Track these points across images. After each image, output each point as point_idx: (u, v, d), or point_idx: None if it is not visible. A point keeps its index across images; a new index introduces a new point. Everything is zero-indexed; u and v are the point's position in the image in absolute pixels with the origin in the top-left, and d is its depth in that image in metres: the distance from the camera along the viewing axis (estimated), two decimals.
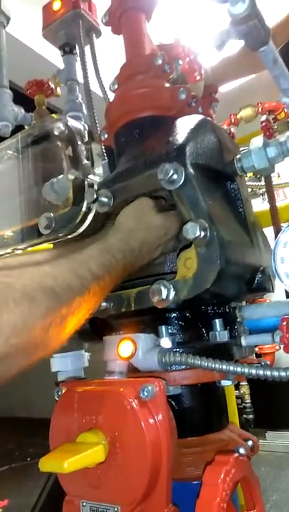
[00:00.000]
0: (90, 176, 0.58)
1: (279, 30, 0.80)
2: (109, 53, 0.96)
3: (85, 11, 0.78)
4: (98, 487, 0.47)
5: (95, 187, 0.57)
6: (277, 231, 0.95)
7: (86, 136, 0.62)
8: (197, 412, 0.58)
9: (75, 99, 0.81)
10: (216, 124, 0.61)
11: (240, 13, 0.34)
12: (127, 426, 0.46)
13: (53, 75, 0.93)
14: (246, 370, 0.46)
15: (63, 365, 0.77)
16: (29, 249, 0.63)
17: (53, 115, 0.60)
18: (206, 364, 0.47)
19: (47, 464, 0.42)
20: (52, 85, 0.92)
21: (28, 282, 0.36)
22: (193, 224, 0.46)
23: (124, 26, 0.68)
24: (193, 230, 0.46)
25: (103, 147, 0.68)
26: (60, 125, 0.58)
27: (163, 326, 0.55)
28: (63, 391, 0.53)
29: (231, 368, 0.46)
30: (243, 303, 0.65)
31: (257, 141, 0.54)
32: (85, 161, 0.59)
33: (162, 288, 0.49)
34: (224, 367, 0.46)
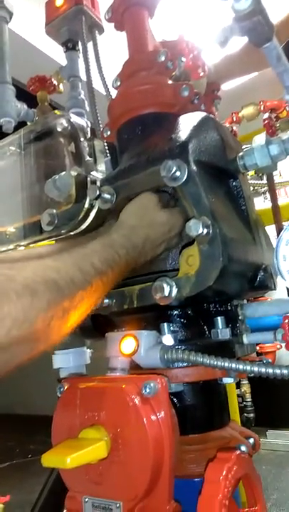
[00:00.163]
0: (92, 173, 0.58)
1: (282, 26, 0.79)
2: (111, 50, 0.95)
3: (88, 7, 0.77)
4: (100, 483, 0.47)
5: (98, 184, 0.57)
6: (279, 229, 0.95)
7: (89, 132, 0.61)
8: (199, 409, 0.58)
9: (78, 96, 0.81)
10: (219, 122, 0.61)
11: (244, 9, 0.33)
12: (129, 422, 0.46)
13: (56, 71, 0.92)
14: (248, 368, 0.46)
15: (65, 361, 0.77)
16: (31, 245, 0.63)
17: (56, 111, 0.60)
18: (208, 361, 0.47)
19: (49, 459, 0.42)
20: (54, 82, 0.92)
21: (30, 275, 0.36)
22: (196, 221, 0.46)
23: (127, 23, 0.68)
24: (196, 227, 0.46)
25: (105, 144, 0.68)
26: (63, 121, 0.57)
27: (165, 323, 0.55)
28: (65, 387, 0.53)
29: (233, 365, 0.46)
30: (245, 301, 0.65)
31: (259, 139, 0.54)
32: (88, 158, 0.59)
33: (165, 285, 0.49)
34: (226, 364, 0.46)
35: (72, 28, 0.80)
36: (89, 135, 0.61)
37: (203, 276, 0.48)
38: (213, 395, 0.60)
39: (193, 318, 0.57)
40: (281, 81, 0.42)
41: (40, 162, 0.63)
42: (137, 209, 0.52)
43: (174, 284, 0.49)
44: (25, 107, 0.80)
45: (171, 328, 0.55)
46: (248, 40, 0.37)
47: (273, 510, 1.84)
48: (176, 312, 0.57)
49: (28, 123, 0.82)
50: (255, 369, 0.45)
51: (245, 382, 2.67)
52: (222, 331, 0.56)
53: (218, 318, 0.56)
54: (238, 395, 2.56)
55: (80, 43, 0.83)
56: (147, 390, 0.46)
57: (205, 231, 0.46)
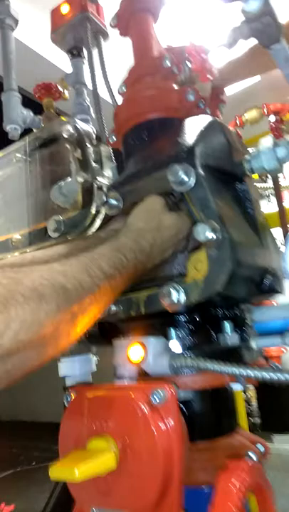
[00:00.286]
0: (99, 179, 0.58)
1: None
2: (116, 57, 0.96)
3: (93, 14, 0.78)
4: (109, 494, 0.46)
5: (104, 190, 0.57)
6: (286, 232, 0.94)
7: (95, 138, 0.61)
8: (207, 417, 0.57)
9: (83, 102, 0.81)
10: (225, 125, 0.61)
11: (253, 10, 0.33)
12: (138, 432, 0.45)
13: (61, 78, 0.93)
14: (260, 374, 0.45)
15: (71, 369, 0.76)
16: None
17: (62, 117, 0.60)
18: (218, 368, 0.47)
19: (57, 472, 0.41)
20: (60, 88, 0.92)
21: (37, 278, 0.36)
22: (204, 225, 0.46)
23: (133, 28, 0.68)
24: (204, 232, 0.45)
25: (111, 150, 0.68)
26: (69, 127, 0.57)
27: (172, 330, 0.54)
28: (73, 396, 0.52)
29: (245, 372, 0.45)
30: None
31: (266, 142, 0.54)
32: (94, 164, 0.59)
33: (173, 291, 0.48)
34: (237, 371, 0.46)
35: (77, 35, 0.80)
36: (95, 141, 0.61)
37: (211, 282, 0.47)
38: (221, 402, 0.59)
39: (201, 323, 0.57)
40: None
41: (46, 169, 0.63)
42: (144, 212, 0.52)
43: (182, 290, 0.49)
44: (31, 114, 0.81)
45: (179, 334, 0.55)
46: (257, 41, 0.37)
47: None
48: (183, 318, 0.56)
49: (34, 130, 0.82)
50: (267, 375, 0.44)
51: (250, 386, 2.64)
52: (230, 336, 0.55)
53: (226, 323, 0.55)
54: (244, 400, 2.53)
55: (85, 50, 0.83)
56: (156, 399, 0.45)
57: (213, 235, 0.46)
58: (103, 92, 0.79)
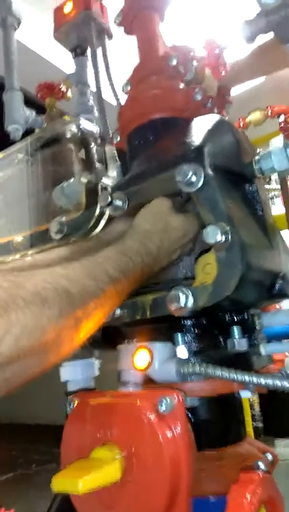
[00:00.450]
0: (103, 179, 0.56)
1: None
2: (120, 56, 0.95)
3: (97, 13, 0.77)
4: (113, 506, 0.45)
5: (109, 190, 0.55)
6: None
7: (98, 138, 0.60)
8: (215, 424, 0.56)
9: (87, 102, 0.80)
10: (233, 125, 0.59)
11: (272, 3, 0.32)
12: (144, 441, 0.43)
13: (64, 78, 0.92)
14: (271, 382, 0.43)
15: (73, 374, 0.75)
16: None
17: (65, 117, 0.58)
18: (227, 375, 0.45)
19: (60, 483, 0.40)
20: (63, 88, 0.91)
21: (39, 282, 0.34)
22: (214, 227, 0.44)
23: (138, 27, 0.67)
24: (214, 234, 0.44)
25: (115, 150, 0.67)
26: (73, 127, 0.56)
27: (179, 334, 0.52)
28: (75, 403, 0.51)
29: (255, 379, 0.44)
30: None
31: (277, 142, 0.52)
32: (98, 164, 0.58)
33: (181, 295, 0.47)
34: (247, 378, 0.44)
35: (80, 34, 0.79)
36: (99, 141, 0.59)
37: (221, 286, 0.46)
38: (229, 409, 0.57)
39: (208, 328, 0.55)
40: None
41: (48, 169, 0.62)
42: (151, 214, 0.51)
43: (190, 293, 0.47)
44: (34, 113, 0.79)
45: (186, 339, 0.53)
46: (275, 35, 0.35)
47: None
48: (190, 322, 0.55)
49: (37, 130, 0.81)
50: (278, 383, 0.43)
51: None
52: (239, 342, 0.53)
53: (235, 328, 0.53)
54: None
55: (88, 49, 0.82)
56: (163, 407, 0.43)
57: (223, 238, 0.44)
58: (107, 92, 0.78)
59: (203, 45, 0.68)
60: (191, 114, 0.61)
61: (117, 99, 0.75)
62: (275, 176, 1.73)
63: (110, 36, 0.80)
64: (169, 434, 0.43)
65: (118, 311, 0.54)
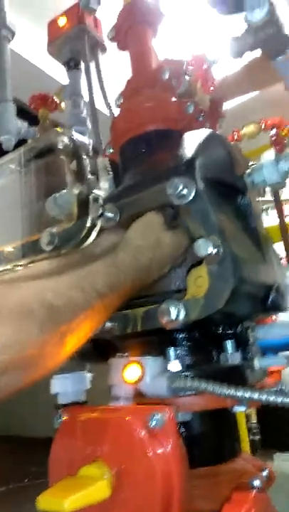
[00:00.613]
0: (95, 191, 0.56)
1: None
2: (113, 70, 0.96)
3: (91, 27, 0.78)
4: None
5: (101, 202, 0.55)
6: (287, 247, 0.93)
7: (91, 150, 0.60)
8: (208, 440, 0.55)
9: (80, 114, 0.81)
10: (225, 138, 0.60)
11: (258, 21, 0.32)
12: (134, 458, 0.42)
13: (58, 89, 0.92)
14: (265, 397, 0.42)
15: (64, 386, 0.73)
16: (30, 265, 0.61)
17: (58, 128, 0.58)
18: (220, 390, 0.44)
19: (45, 502, 0.38)
20: (56, 100, 0.91)
21: (23, 294, 0.34)
22: (205, 240, 0.44)
23: (131, 41, 0.68)
24: (206, 247, 0.44)
25: (108, 162, 0.67)
26: (65, 138, 0.56)
27: (171, 348, 0.52)
28: (64, 418, 0.50)
29: (248, 394, 0.43)
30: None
31: (268, 155, 0.52)
32: (90, 176, 0.58)
33: (172, 308, 0.46)
34: (240, 393, 0.43)
35: (74, 47, 0.80)
36: (91, 153, 0.59)
37: (212, 299, 0.45)
38: (223, 425, 0.56)
39: (201, 341, 0.54)
40: None
41: (40, 180, 0.62)
42: (143, 229, 0.50)
43: (181, 307, 0.46)
44: (26, 124, 0.80)
45: (178, 352, 0.52)
46: (262, 51, 0.36)
47: None
48: (182, 335, 0.54)
49: (29, 141, 0.81)
50: (272, 398, 0.42)
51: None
52: (232, 355, 0.53)
53: (228, 341, 0.53)
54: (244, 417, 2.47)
55: (82, 63, 0.83)
56: (154, 422, 0.42)
57: (214, 250, 0.44)
58: (100, 105, 0.79)
59: (191, 60, 0.69)
60: (183, 127, 0.61)
61: (111, 112, 0.75)
62: (269, 189, 1.74)
63: (104, 50, 0.81)
64: (159, 451, 0.42)
65: (108, 324, 0.54)
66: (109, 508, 0.43)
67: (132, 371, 0.50)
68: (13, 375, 0.32)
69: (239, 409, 0.53)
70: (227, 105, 0.91)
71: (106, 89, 0.81)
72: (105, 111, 0.75)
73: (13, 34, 0.78)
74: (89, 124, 0.81)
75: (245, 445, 1.14)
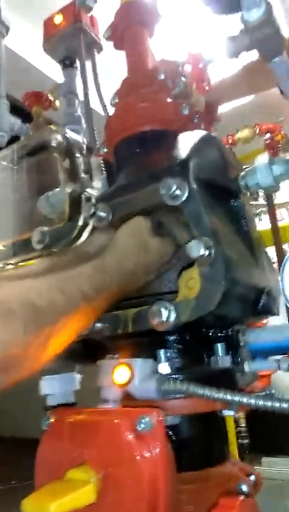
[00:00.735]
0: (87, 190, 0.56)
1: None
2: (109, 70, 0.95)
3: (87, 26, 0.77)
4: None
5: (93, 201, 0.55)
6: (279, 251, 0.93)
7: (85, 149, 0.59)
8: (196, 444, 0.54)
9: (74, 113, 0.80)
10: (219, 140, 0.59)
11: (254, 20, 0.32)
12: (121, 461, 0.41)
13: (52, 87, 0.92)
14: (253, 401, 0.42)
15: (53, 388, 0.72)
16: (20, 264, 0.60)
17: (51, 126, 0.58)
18: (209, 393, 0.44)
19: (30, 506, 0.38)
20: (51, 98, 0.91)
21: (4, 293, 0.33)
22: (197, 242, 0.44)
23: (127, 41, 0.68)
24: (197, 249, 0.43)
25: (102, 161, 0.66)
26: (58, 136, 0.55)
27: (162, 351, 0.51)
28: (52, 420, 0.49)
29: (237, 398, 0.43)
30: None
31: (262, 159, 0.52)
32: (83, 175, 0.57)
33: (163, 309, 0.46)
34: (229, 397, 0.43)
35: (70, 45, 0.79)
36: (85, 151, 0.59)
37: (204, 301, 0.45)
38: (212, 429, 0.55)
39: (192, 344, 0.54)
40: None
41: (33, 178, 0.61)
42: (131, 232, 0.50)
43: (172, 308, 0.46)
44: (19, 121, 0.79)
45: (168, 355, 0.52)
46: (258, 52, 0.36)
47: None
48: (173, 337, 0.54)
49: (22, 138, 0.80)
50: (261, 403, 0.42)
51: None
52: (222, 359, 0.52)
53: (218, 345, 0.52)
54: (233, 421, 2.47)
55: (78, 61, 0.82)
56: (142, 426, 0.42)
57: (206, 252, 0.43)
58: (95, 104, 0.78)
59: (187, 59, 0.69)
60: (178, 128, 0.61)
61: (106, 111, 0.75)
62: (262, 192, 1.75)
63: (100, 49, 0.80)
64: (147, 454, 0.42)
65: (99, 325, 0.53)
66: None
67: (121, 373, 0.49)
68: None
69: (228, 413, 0.52)
70: (222, 109, 0.91)
71: (101, 88, 0.81)
72: (100, 110, 0.75)
73: (7, 29, 0.77)
74: (83, 123, 0.81)
75: (234, 449, 1.14)
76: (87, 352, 0.60)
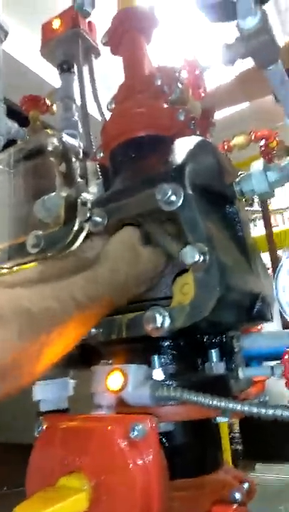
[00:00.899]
0: (83, 194, 0.55)
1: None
2: (106, 75, 0.96)
3: (85, 31, 0.78)
4: None
5: (89, 205, 0.54)
6: (274, 257, 0.94)
7: (81, 153, 0.59)
8: (190, 451, 0.54)
9: (71, 118, 0.80)
10: (215, 146, 0.60)
11: (250, 28, 0.32)
12: (114, 469, 0.41)
13: (49, 92, 0.92)
14: (247, 409, 0.42)
15: (46, 393, 0.72)
16: (15, 268, 0.60)
17: (48, 130, 0.58)
18: (202, 400, 0.44)
19: None
20: (48, 102, 0.91)
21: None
22: (192, 248, 0.44)
23: (124, 47, 0.68)
24: (192, 254, 0.43)
25: (98, 166, 0.66)
26: (54, 140, 0.55)
27: (156, 357, 0.51)
28: (44, 426, 0.48)
29: (231, 405, 0.42)
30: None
31: (257, 165, 0.53)
32: (79, 179, 0.57)
33: (157, 315, 0.46)
34: (223, 404, 0.43)
35: (68, 50, 0.80)
36: (81, 156, 0.59)
37: (198, 307, 0.45)
38: (205, 436, 0.55)
39: (186, 350, 0.54)
40: (284, 105, 0.40)
41: (29, 182, 0.61)
42: (122, 243, 0.50)
43: (167, 314, 0.46)
44: (16, 125, 0.79)
45: (162, 361, 0.52)
46: (253, 60, 0.36)
47: None
48: (167, 343, 0.53)
49: (19, 141, 0.80)
50: (255, 410, 0.42)
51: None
52: (216, 365, 0.52)
53: (212, 350, 0.52)
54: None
55: (75, 66, 0.83)
56: (135, 433, 0.41)
57: (201, 258, 0.43)
58: (92, 109, 0.78)
59: (184, 66, 0.69)
60: (174, 134, 0.61)
61: (103, 116, 0.75)
62: (257, 198, 1.76)
63: (98, 54, 0.80)
64: (140, 462, 0.41)
65: (93, 330, 0.53)
66: None
67: (114, 379, 0.49)
68: None
69: (222, 420, 0.52)
70: (218, 115, 0.92)
71: (98, 93, 0.81)
72: (97, 115, 0.75)
73: (6, 34, 0.77)
74: (80, 128, 0.81)
75: (228, 455, 1.13)
76: (82, 357, 0.59)
